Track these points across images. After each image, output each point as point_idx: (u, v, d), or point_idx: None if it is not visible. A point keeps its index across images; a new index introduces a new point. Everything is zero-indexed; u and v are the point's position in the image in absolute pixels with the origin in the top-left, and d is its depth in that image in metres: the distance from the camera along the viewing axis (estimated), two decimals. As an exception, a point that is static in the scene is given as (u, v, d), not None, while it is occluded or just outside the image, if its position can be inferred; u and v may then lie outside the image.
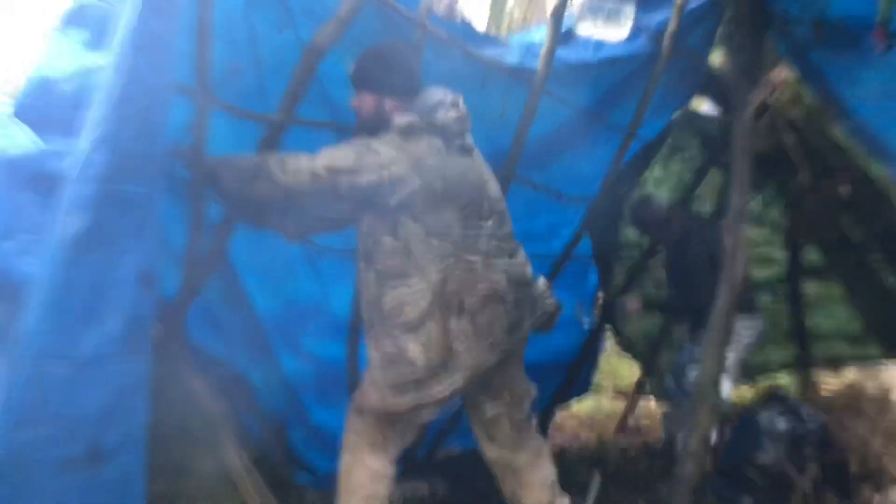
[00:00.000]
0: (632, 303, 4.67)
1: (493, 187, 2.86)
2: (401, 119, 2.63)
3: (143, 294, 2.12)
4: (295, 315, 3.54)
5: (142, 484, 2.14)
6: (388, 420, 2.73)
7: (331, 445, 3.71)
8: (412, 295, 2.59)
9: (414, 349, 2.59)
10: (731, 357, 3.81)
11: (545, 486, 2.99)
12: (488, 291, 2.65)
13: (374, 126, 2.68)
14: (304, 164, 2.52)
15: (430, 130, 2.64)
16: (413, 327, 2.60)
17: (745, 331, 4.35)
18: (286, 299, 3.53)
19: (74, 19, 2.48)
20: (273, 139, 2.74)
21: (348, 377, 3.48)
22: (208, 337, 3.29)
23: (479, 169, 2.82)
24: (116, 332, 2.06)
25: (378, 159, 2.53)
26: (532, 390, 2.99)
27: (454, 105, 2.73)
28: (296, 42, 2.83)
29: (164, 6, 2.09)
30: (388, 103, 2.68)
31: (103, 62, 2.12)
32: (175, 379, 2.66)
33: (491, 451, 2.98)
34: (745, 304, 4.00)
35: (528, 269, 2.90)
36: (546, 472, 3.02)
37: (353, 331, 3.44)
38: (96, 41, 2.40)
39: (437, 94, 2.73)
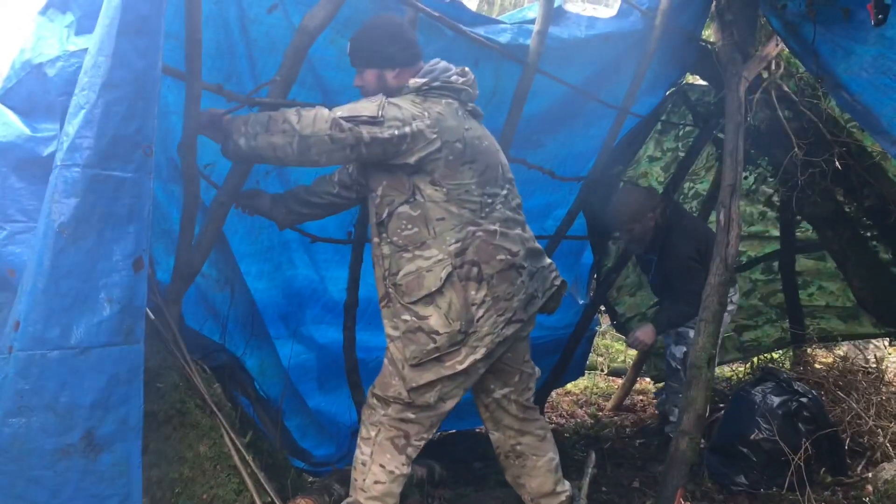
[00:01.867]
0: (644, 334, 4.43)
1: (504, 157, 2.84)
2: (414, 82, 2.61)
3: (135, 280, 2.11)
4: (293, 301, 3.53)
5: (138, 471, 2.13)
6: (412, 412, 2.66)
7: (327, 431, 3.73)
8: (431, 265, 2.56)
9: (435, 319, 2.55)
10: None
11: (549, 472, 2.97)
12: (507, 261, 2.63)
13: None
14: (323, 112, 2.46)
15: (447, 91, 2.63)
16: (433, 297, 2.56)
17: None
18: (284, 285, 3.52)
19: (59, 3, 2.44)
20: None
21: (346, 362, 3.48)
22: (205, 323, 3.29)
23: (491, 136, 2.79)
24: (109, 320, 2.05)
25: (400, 113, 2.49)
26: (536, 371, 2.97)
27: (463, 72, 2.72)
28: (286, 24, 2.80)
29: (151, -12, 2.05)
30: (390, 75, 2.65)
31: (88, 46, 2.09)
32: (171, 365, 2.64)
33: (496, 434, 2.96)
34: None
35: (536, 241, 2.87)
36: (550, 455, 2.99)
37: (349, 315, 3.44)
38: (81, 25, 2.37)
39: (443, 63, 2.71)
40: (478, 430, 4.82)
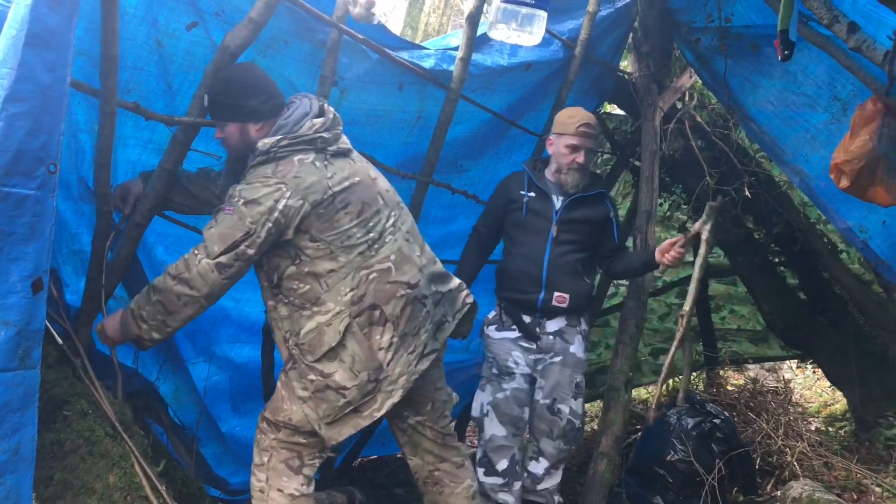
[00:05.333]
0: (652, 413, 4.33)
1: (384, 182, 2.76)
2: (262, 144, 2.48)
3: (34, 302, 2.01)
4: (205, 322, 3.44)
5: (29, 504, 2.02)
6: (302, 437, 2.63)
7: (244, 458, 3.63)
8: (329, 319, 2.51)
9: (341, 374, 2.52)
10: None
11: (466, 499, 2.94)
12: (408, 295, 2.59)
13: (245, 154, 2.57)
14: (203, 266, 2.40)
15: (299, 146, 2.51)
16: (336, 352, 2.52)
17: None
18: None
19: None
20: (185, 141, 2.64)
21: (264, 387, 3.40)
22: (117, 348, 3.16)
23: (364, 167, 2.69)
24: (4, 344, 1.94)
25: (262, 207, 2.41)
26: (454, 397, 2.95)
27: (321, 113, 2.60)
28: (207, 42, 2.75)
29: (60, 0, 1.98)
30: (252, 129, 2.54)
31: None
32: (80, 391, 2.53)
33: (414, 460, 2.92)
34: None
35: (439, 262, 2.84)
36: (468, 483, 2.96)
37: (268, 339, 3.36)
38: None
39: (302, 106, 2.59)
40: (399, 456, 4.78)
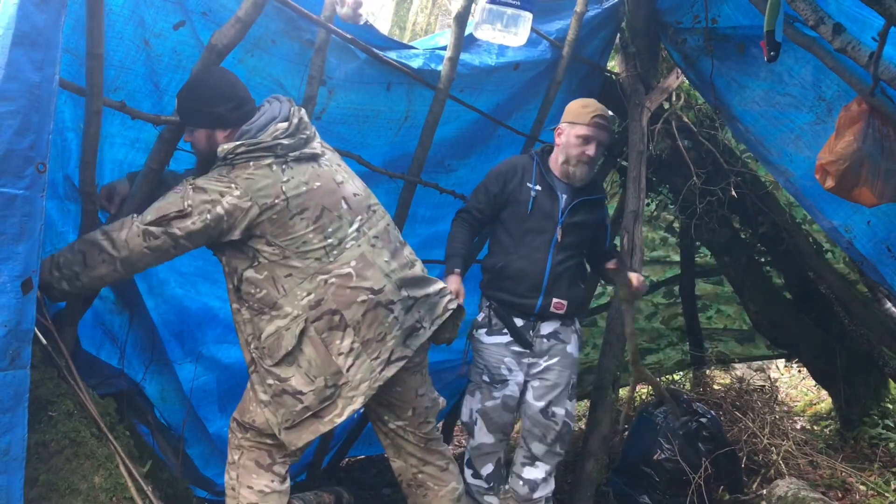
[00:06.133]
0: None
1: (354, 185, 2.72)
2: (221, 150, 2.48)
3: (24, 302, 2.00)
4: (192, 322, 3.43)
5: (20, 504, 2.01)
6: (269, 439, 2.63)
7: (231, 457, 3.62)
8: (287, 323, 2.50)
9: (297, 379, 2.51)
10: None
11: (452, 501, 2.94)
12: (370, 301, 2.55)
13: (212, 159, 2.56)
14: (133, 230, 2.41)
15: (255, 152, 2.49)
16: (293, 356, 2.51)
17: None
18: (181, 307, 3.41)
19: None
20: (171, 140, 2.63)
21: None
22: (102, 347, 3.15)
23: (329, 172, 2.65)
24: (-7, 344, 1.94)
25: (207, 195, 2.42)
26: (440, 402, 2.91)
27: (286, 118, 2.58)
28: (194, 42, 2.74)
29: (47, -1, 1.97)
30: (220, 136, 2.53)
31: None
32: (65, 392, 2.51)
33: (397, 462, 2.92)
34: None
35: (418, 266, 2.79)
36: (453, 486, 2.95)
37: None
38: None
39: (271, 110, 2.58)
40: (386, 456, 4.78)
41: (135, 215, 2.45)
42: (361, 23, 3.09)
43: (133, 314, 3.20)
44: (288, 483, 2.71)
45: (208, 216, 2.41)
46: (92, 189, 2.54)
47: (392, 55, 3.32)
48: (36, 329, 2.37)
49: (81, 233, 2.59)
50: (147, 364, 3.28)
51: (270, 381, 2.55)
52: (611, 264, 3.33)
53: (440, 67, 3.46)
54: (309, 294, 2.51)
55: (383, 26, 11.27)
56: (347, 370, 2.52)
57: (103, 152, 2.80)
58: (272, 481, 2.65)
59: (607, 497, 4.02)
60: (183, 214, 2.40)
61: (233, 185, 2.44)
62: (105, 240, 2.41)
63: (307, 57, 2.99)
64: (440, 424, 5.08)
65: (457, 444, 5.48)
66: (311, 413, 2.52)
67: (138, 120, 2.62)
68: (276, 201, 2.47)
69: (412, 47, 3.60)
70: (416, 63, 3.42)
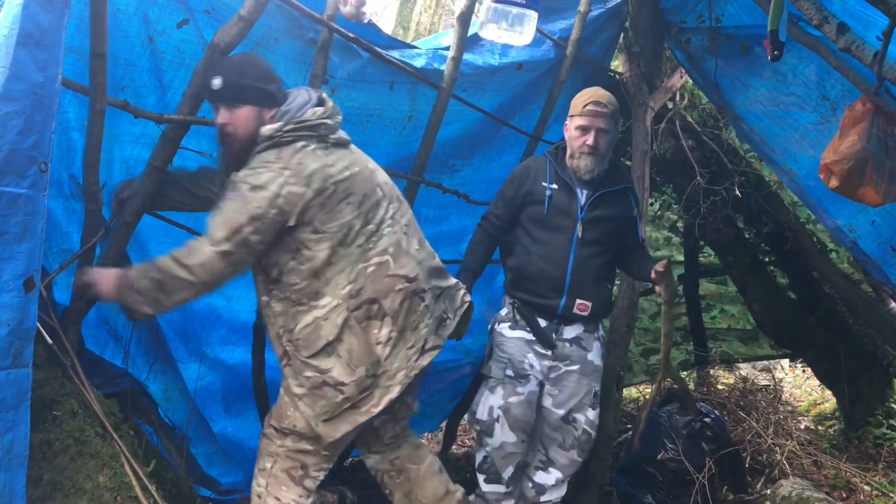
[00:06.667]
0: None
1: (382, 174, 2.71)
2: (266, 129, 2.45)
3: (26, 301, 2.01)
4: (196, 323, 3.43)
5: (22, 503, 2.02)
6: (309, 444, 2.58)
7: (235, 458, 3.62)
8: (326, 313, 2.48)
9: (338, 370, 2.48)
10: None
11: (434, 475, 2.89)
12: (406, 289, 2.55)
13: (247, 144, 2.48)
14: (207, 254, 2.35)
15: (301, 132, 2.47)
16: (332, 347, 2.47)
17: None
18: (185, 307, 3.41)
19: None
20: (174, 139, 2.63)
21: (255, 386, 3.39)
22: (106, 347, 3.15)
23: (363, 158, 2.66)
24: (-4, 343, 1.94)
25: (265, 192, 2.37)
26: (415, 407, 2.86)
27: (321, 102, 2.57)
28: (198, 39, 2.74)
29: (51, -1, 1.98)
30: (267, 114, 2.49)
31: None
32: (69, 391, 2.52)
33: (372, 458, 2.87)
34: None
35: (438, 258, 2.80)
36: (430, 459, 2.91)
37: (258, 338, 3.36)
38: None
39: (301, 96, 2.56)
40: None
41: (201, 237, 2.40)
42: (364, 21, 3.09)
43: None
44: (312, 499, 2.66)
45: (275, 211, 2.38)
46: (95, 188, 2.54)
47: (395, 54, 3.32)
48: (41, 328, 2.39)
49: (85, 232, 2.60)
50: (151, 364, 3.28)
51: (308, 374, 2.51)
52: (660, 266, 3.13)
53: (443, 67, 3.45)
54: (350, 283, 2.49)
55: (387, 26, 11.27)
56: (385, 359, 2.51)
57: (112, 151, 2.80)
58: (300, 496, 2.60)
59: (611, 497, 4.02)
60: (253, 219, 2.36)
61: (286, 171, 2.40)
62: (180, 269, 2.36)
63: (310, 55, 2.99)
64: (443, 424, 5.09)
65: (460, 443, 5.47)
66: (349, 404, 2.49)
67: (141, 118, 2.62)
68: (326, 185, 2.45)
69: (415, 47, 3.60)
70: (419, 62, 3.42)
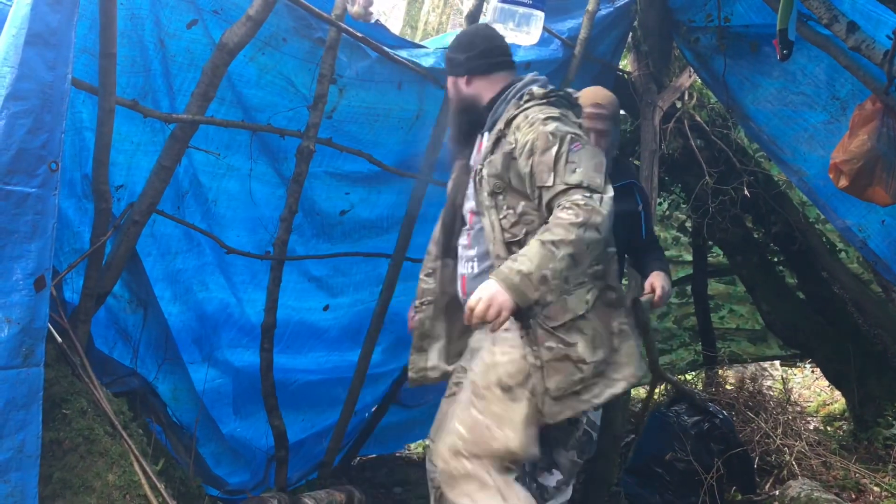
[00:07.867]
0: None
1: None
2: (535, 88, 2.47)
3: (37, 300, 2.01)
4: (207, 324, 3.44)
5: (34, 502, 2.02)
6: (511, 463, 2.38)
7: (243, 458, 3.63)
8: (570, 287, 2.32)
9: (582, 346, 2.32)
10: None
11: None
12: (636, 288, 2.54)
13: (483, 110, 2.55)
14: (606, 203, 2.21)
15: (553, 97, 2.49)
16: (577, 322, 2.33)
17: None
18: (197, 308, 3.42)
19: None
20: (183, 138, 2.64)
21: (263, 386, 3.40)
22: (115, 346, 3.16)
23: None
24: (7, 342, 1.95)
25: (569, 126, 2.35)
26: None
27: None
28: (206, 40, 2.75)
29: (61, -1, 1.99)
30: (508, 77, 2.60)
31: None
32: (79, 390, 2.53)
33: None
34: None
35: None
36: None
37: (266, 337, 3.36)
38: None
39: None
40: (398, 455, 4.79)
41: (581, 196, 2.21)
42: (372, 21, 3.10)
43: (147, 313, 3.21)
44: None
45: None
46: (105, 187, 2.55)
47: (403, 54, 3.32)
48: (50, 327, 2.40)
49: (95, 231, 2.60)
50: (160, 363, 3.29)
51: (551, 344, 2.33)
52: (649, 285, 3.03)
53: (452, 66, 3.45)
54: (598, 263, 2.36)
55: (395, 26, 11.29)
56: (619, 352, 2.40)
57: (137, 159, 2.82)
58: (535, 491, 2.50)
59: (619, 497, 4.01)
60: (595, 156, 2.30)
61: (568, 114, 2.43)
62: (588, 231, 2.17)
63: (318, 55, 3.00)
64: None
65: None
66: (581, 386, 2.34)
67: (171, 124, 2.62)
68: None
69: (423, 46, 3.60)
70: (427, 62, 3.42)
